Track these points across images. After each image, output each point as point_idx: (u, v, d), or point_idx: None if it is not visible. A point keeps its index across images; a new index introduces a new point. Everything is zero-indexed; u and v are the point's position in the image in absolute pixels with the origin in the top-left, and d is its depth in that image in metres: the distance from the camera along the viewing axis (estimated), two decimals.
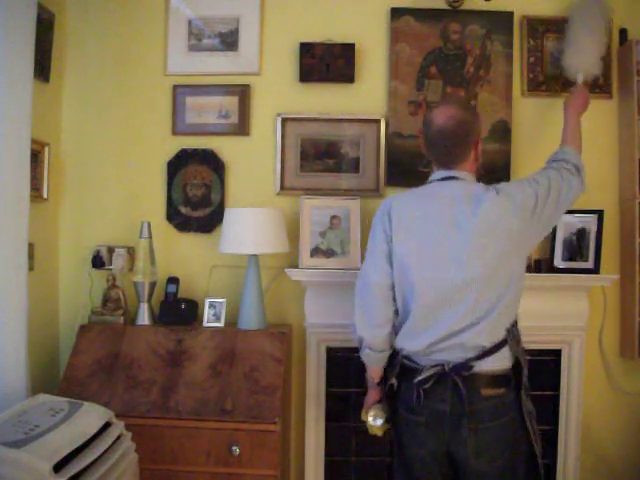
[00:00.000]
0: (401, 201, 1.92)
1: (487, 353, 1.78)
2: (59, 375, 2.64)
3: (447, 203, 1.83)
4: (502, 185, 1.89)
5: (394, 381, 1.91)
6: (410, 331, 1.85)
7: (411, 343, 1.84)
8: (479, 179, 1.96)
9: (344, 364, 2.67)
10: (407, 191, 1.98)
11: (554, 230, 2.62)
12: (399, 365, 1.89)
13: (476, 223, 1.78)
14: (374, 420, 2.00)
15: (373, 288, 1.89)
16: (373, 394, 2.05)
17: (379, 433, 2.03)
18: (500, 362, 1.80)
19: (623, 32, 2.79)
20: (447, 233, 1.80)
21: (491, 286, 1.78)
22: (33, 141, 2.30)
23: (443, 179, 1.90)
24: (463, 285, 1.77)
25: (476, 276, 1.77)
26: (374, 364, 1.99)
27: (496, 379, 1.79)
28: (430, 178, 1.96)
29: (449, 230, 1.80)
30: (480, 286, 1.77)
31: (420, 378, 1.79)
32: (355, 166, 2.79)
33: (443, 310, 1.79)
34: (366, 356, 1.97)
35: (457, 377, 1.76)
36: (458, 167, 1.90)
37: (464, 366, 1.77)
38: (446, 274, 1.78)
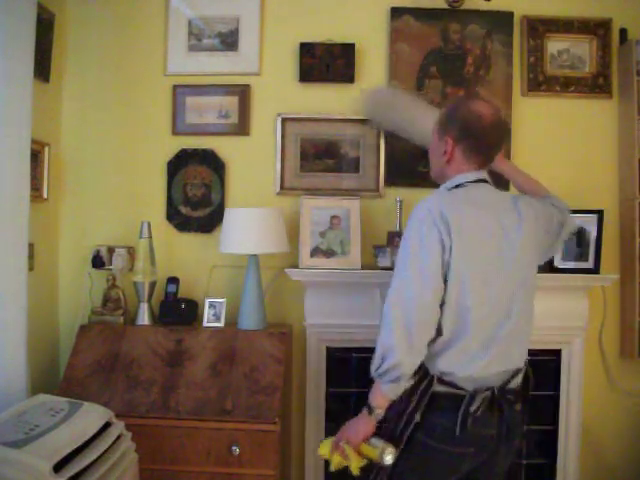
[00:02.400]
0: (452, 208, 1.65)
1: (519, 371, 1.74)
2: (59, 375, 2.64)
3: (495, 212, 1.71)
4: (524, 197, 1.86)
5: (419, 411, 1.67)
6: (463, 353, 1.65)
7: (465, 367, 1.65)
8: None
9: (344, 364, 2.67)
10: (446, 195, 1.73)
11: None
12: (430, 393, 1.66)
13: (522, 234, 1.70)
14: (389, 457, 1.64)
15: (427, 309, 1.60)
16: (371, 426, 1.69)
17: (356, 472, 1.67)
18: (521, 377, 1.76)
19: (623, 32, 2.79)
20: (500, 245, 1.68)
21: (529, 300, 1.74)
22: (33, 141, 2.29)
23: (476, 181, 1.74)
24: (512, 301, 1.69)
25: (520, 291, 1.70)
26: (396, 396, 1.67)
27: (519, 393, 1.74)
28: (457, 180, 1.74)
29: (501, 242, 1.69)
30: (522, 301, 1.70)
31: (474, 407, 1.63)
32: (355, 166, 2.79)
33: (497, 328, 1.66)
34: (397, 388, 1.64)
35: (503, 400, 1.67)
36: (486, 169, 1.79)
37: (507, 388, 1.69)
38: (499, 289, 1.67)
